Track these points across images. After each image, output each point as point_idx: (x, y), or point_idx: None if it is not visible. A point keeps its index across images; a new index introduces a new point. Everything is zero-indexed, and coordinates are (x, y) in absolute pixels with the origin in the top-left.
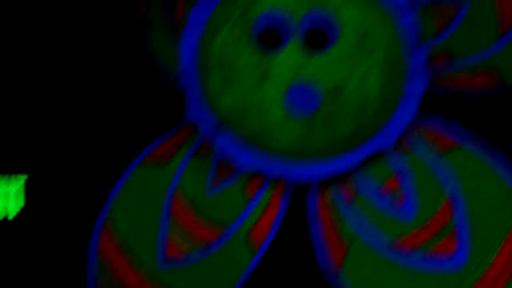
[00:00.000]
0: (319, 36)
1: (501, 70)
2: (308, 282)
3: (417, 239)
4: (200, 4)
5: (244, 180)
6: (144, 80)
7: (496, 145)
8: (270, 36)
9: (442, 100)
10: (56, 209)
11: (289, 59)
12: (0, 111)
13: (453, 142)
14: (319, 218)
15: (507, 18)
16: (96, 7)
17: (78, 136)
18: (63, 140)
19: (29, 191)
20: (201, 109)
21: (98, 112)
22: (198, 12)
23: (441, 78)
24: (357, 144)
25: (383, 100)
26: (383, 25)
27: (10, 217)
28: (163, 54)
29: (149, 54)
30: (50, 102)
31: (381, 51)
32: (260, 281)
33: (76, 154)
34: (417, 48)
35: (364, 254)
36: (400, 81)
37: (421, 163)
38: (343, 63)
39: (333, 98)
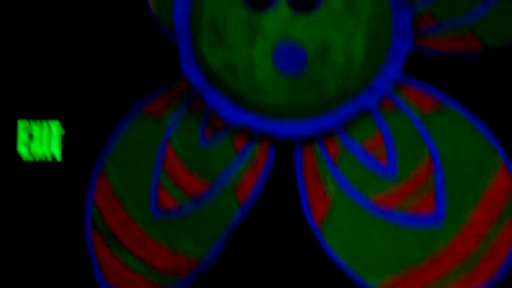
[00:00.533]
0: None
1: (482, 34)
2: (293, 235)
3: (398, 196)
4: None
5: (232, 135)
6: (145, 32)
7: (475, 107)
8: None
9: (427, 62)
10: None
11: (278, 18)
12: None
13: (436, 103)
14: (305, 173)
15: None
16: None
17: (83, 82)
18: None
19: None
20: (192, 64)
21: (103, 62)
22: None
23: (426, 39)
24: (342, 103)
25: (369, 58)
26: None
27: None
28: (164, 6)
29: (152, 7)
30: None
31: (366, 12)
32: (248, 233)
33: (80, 100)
34: (404, 9)
35: (347, 208)
36: (387, 40)
37: (404, 122)
38: (329, 24)
39: (320, 57)
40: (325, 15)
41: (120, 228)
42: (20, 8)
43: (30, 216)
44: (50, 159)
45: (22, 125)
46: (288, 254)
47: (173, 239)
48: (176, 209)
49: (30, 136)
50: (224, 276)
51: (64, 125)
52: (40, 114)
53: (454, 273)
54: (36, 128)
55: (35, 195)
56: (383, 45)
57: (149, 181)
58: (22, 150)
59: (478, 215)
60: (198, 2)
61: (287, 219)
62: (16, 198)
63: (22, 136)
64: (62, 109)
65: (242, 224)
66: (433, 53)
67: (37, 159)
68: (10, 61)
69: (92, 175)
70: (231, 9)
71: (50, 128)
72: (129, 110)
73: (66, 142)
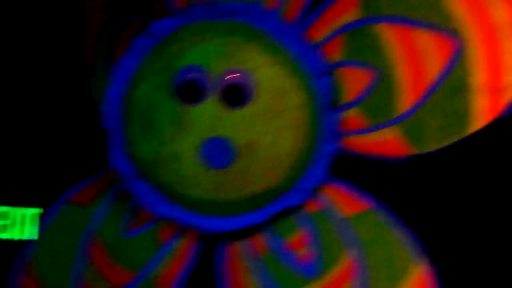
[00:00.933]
0: (236, 93)
1: (411, 138)
2: None
3: None
4: (130, 53)
5: (158, 227)
6: (78, 123)
7: (398, 209)
8: (190, 89)
9: (354, 163)
10: None
11: (206, 112)
12: None
13: (361, 206)
14: (227, 268)
15: (418, 85)
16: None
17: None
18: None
19: None
20: (121, 155)
21: (36, 145)
22: (127, 61)
23: (352, 141)
24: (269, 200)
25: (296, 157)
26: (298, 86)
27: None
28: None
29: (92, 97)
30: None
31: (293, 111)
32: None
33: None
34: (331, 110)
35: None
36: (314, 140)
37: (328, 223)
38: (257, 120)
39: (247, 154)
40: (253, 112)
41: None
42: None
43: None
44: None
45: None
46: None
47: None
48: None
49: None
50: None
51: None
52: None
53: None
54: None
55: None
56: (310, 146)
57: (72, 272)
58: None
59: None
60: (129, 90)
61: None
62: None
63: None
64: None
65: None
66: (359, 155)
67: None
68: None
69: (17, 267)
70: (160, 101)
71: None
72: (56, 199)
73: None
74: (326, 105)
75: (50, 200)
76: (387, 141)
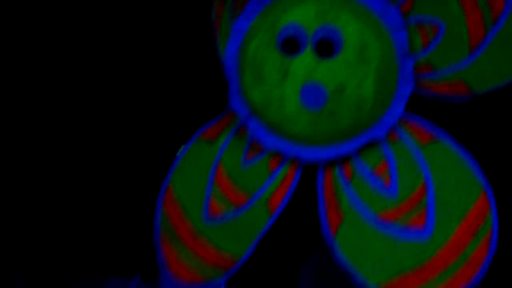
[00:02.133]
0: (328, 46)
1: (470, 81)
2: (311, 242)
3: (397, 213)
4: (243, 16)
5: (268, 157)
6: (206, 75)
7: (463, 142)
8: (291, 44)
9: (426, 102)
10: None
11: (304, 63)
12: None
13: (431, 137)
14: (324, 191)
15: (474, 37)
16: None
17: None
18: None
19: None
20: (238, 100)
21: (172, 99)
22: (239, 24)
23: (424, 84)
24: (356, 134)
25: (377, 99)
26: (380, 39)
27: None
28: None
29: (218, 54)
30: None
31: (376, 60)
32: (274, 240)
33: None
34: (407, 59)
35: (355, 222)
36: (392, 84)
37: (405, 151)
38: (345, 68)
39: (336, 97)
40: (342, 62)
41: (180, 230)
42: None
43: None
44: None
45: None
46: (305, 257)
47: (217, 240)
48: (220, 216)
49: None
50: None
51: None
52: None
53: (438, 279)
54: None
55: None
56: (390, 87)
57: (204, 192)
58: None
59: (460, 232)
60: (243, 46)
61: (308, 229)
62: None
63: None
64: None
65: (270, 230)
66: (430, 95)
67: None
68: None
69: (161, 188)
70: (268, 55)
71: None
72: (191, 136)
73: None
74: (402, 54)
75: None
76: (451, 83)
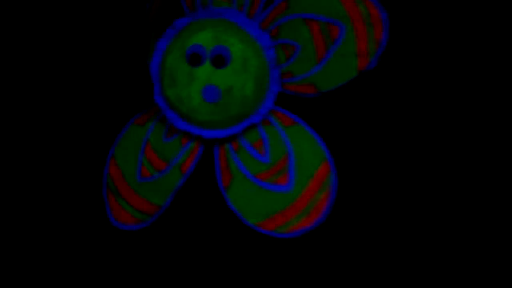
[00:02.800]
0: (221, 59)
1: (317, 83)
2: (208, 194)
3: (269, 174)
4: (161, 40)
5: (181, 136)
6: (140, 79)
7: (315, 125)
8: (195, 58)
9: (289, 98)
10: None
11: (204, 71)
12: None
13: (292, 121)
14: (219, 159)
15: (320, 53)
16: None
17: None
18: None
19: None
20: (159, 97)
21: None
22: (160, 44)
23: (286, 85)
24: (241, 121)
25: (255, 97)
26: (257, 55)
27: None
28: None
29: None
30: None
31: (254, 69)
32: (184, 194)
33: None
34: (275, 69)
35: (241, 180)
36: (265, 86)
37: (274, 131)
38: (233, 75)
39: (227, 95)
40: (230, 70)
41: (120, 187)
42: None
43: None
44: None
45: None
46: (204, 205)
47: (145, 194)
48: (148, 177)
49: None
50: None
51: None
52: None
53: (296, 218)
54: None
55: None
56: (264, 88)
57: (137, 161)
58: None
59: (311, 186)
60: (163, 59)
61: (209, 186)
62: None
63: None
64: None
65: (182, 185)
66: (291, 93)
67: None
68: None
69: (107, 158)
70: (179, 65)
71: None
72: (128, 121)
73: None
74: (272, 66)
75: (123, 123)
76: (304, 85)
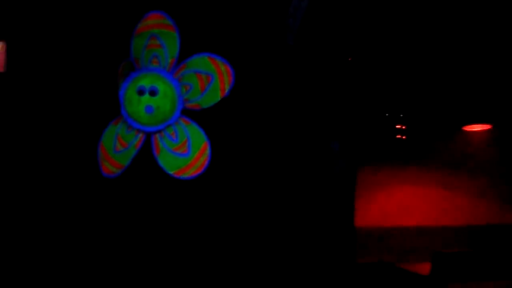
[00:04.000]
0: (153, 92)
1: (200, 103)
2: (149, 160)
3: (178, 148)
4: (125, 81)
5: (134, 130)
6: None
7: (203, 123)
8: (141, 91)
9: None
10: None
11: (146, 98)
12: None
13: (189, 122)
14: (154, 141)
15: (202, 87)
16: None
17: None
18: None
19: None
20: (124, 109)
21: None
22: (126, 81)
23: (186, 105)
24: (164, 122)
25: (171, 110)
26: (171, 89)
27: None
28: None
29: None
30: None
31: (170, 96)
32: (137, 159)
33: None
34: (180, 96)
35: (165, 151)
36: (176, 105)
37: (181, 127)
38: (160, 99)
39: (157, 110)
40: (158, 97)
41: (105, 156)
42: None
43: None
44: None
45: None
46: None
47: (118, 159)
48: (119, 151)
49: None
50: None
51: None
52: None
53: (192, 169)
54: None
55: None
56: (175, 106)
57: (112, 142)
58: None
59: (199, 154)
60: (126, 91)
61: (148, 155)
62: None
63: None
64: None
65: (136, 155)
66: (188, 109)
67: None
68: None
69: (98, 142)
70: (133, 95)
71: None
72: (108, 122)
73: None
74: (179, 95)
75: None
76: (194, 105)
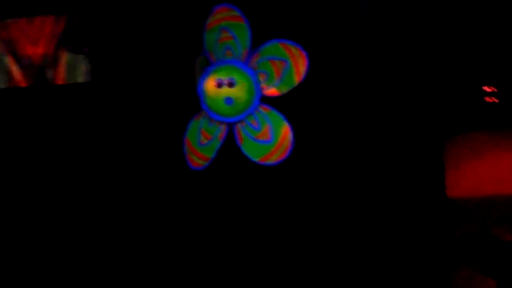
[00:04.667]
0: (231, 84)
1: (279, 90)
2: (233, 149)
3: (260, 136)
4: (202, 76)
5: (216, 122)
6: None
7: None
8: (219, 84)
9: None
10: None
11: (224, 90)
12: None
13: (269, 109)
14: (236, 131)
15: (278, 74)
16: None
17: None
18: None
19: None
20: (204, 103)
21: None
22: (201, 78)
23: (266, 93)
24: (244, 112)
25: (249, 99)
26: (247, 79)
27: None
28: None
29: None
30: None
31: (247, 86)
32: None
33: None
34: (257, 84)
35: (248, 140)
36: (254, 94)
37: (261, 115)
38: (238, 90)
39: (236, 101)
40: (236, 87)
41: (191, 149)
42: None
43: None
44: None
45: None
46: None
47: (204, 151)
48: (204, 143)
49: None
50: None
51: None
52: None
53: (276, 155)
54: None
55: None
56: (254, 94)
57: (196, 137)
58: None
59: (281, 139)
60: (204, 85)
61: (231, 145)
62: None
63: None
64: None
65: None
66: (267, 96)
67: None
68: None
69: (183, 137)
70: (212, 87)
71: None
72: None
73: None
74: (256, 82)
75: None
76: (272, 91)
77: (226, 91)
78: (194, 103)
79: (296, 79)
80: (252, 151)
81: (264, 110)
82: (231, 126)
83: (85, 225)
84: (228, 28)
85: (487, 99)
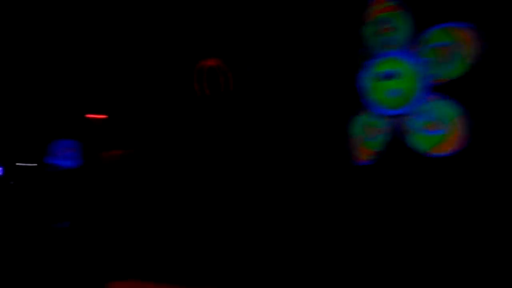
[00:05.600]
0: (396, 76)
1: (450, 75)
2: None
3: (433, 126)
4: (364, 68)
5: (380, 116)
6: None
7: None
8: (383, 76)
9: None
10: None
11: (387, 83)
12: None
13: (438, 97)
14: (404, 126)
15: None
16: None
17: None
18: None
19: None
20: (367, 99)
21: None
22: (361, 72)
23: (433, 81)
24: (411, 102)
25: (417, 89)
26: (412, 68)
27: None
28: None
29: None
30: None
31: (412, 77)
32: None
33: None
34: (426, 77)
35: (418, 134)
36: (419, 83)
37: (444, 102)
38: (403, 81)
39: (402, 92)
40: (401, 79)
41: (357, 147)
42: None
43: None
44: None
45: None
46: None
47: (371, 146)
48: (371, 138)
49: None
50: None
51: None
52: None
53: (450, 145)
54: None
55: None
56: (420, 83)
57: (361, 131)
58: None
59: (455, 130)
60: (366, 78)
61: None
62: None
63: None
64: None
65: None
66: (436, 83)
67: None
68: None
69: (347, 136)
70: (375, 82)
71: None
72: (353, 113)
73: None
74: (423, 72)
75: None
76: (441, 80)
77: (390, 83)
78: (356, 99)
79: (466, 62)
80: (422, 142)
81: (432, 99)
82: (396, 119)
83: (259, 222)
84: (386, 19)
85: None
